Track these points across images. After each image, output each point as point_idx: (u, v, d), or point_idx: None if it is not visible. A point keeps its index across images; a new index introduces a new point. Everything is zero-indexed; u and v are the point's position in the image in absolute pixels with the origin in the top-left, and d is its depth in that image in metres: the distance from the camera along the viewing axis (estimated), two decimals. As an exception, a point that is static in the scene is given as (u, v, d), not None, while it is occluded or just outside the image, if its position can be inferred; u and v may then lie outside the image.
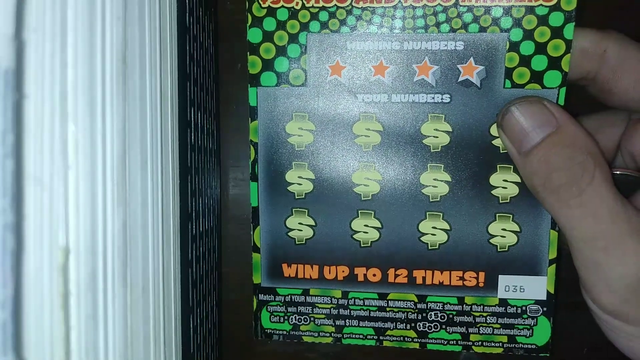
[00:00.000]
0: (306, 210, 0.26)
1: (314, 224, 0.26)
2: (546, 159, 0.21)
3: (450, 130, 0.25)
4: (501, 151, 0.25)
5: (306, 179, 0.26)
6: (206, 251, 0.26)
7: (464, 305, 0.27)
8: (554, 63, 0.24)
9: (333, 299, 0.27)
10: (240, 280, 0.32)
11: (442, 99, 0.25)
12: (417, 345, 0.27)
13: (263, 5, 0.25)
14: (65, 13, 0.12)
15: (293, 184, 0.26)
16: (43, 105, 0.11)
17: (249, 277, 0.29)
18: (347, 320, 0.27)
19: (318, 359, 0.32)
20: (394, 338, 0.27)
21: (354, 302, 0.27)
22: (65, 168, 0.12)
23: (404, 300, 0.27)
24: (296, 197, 0.26)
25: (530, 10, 0.24)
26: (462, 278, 0.26)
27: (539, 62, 0.24)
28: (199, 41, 0.25)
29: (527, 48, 0.24)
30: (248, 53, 0.25)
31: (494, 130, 0.25)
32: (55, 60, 0.12)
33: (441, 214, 0.26)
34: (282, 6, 0.25)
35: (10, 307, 0.10)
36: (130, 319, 0.15)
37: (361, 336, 0.27)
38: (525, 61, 0.24)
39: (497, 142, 0.25)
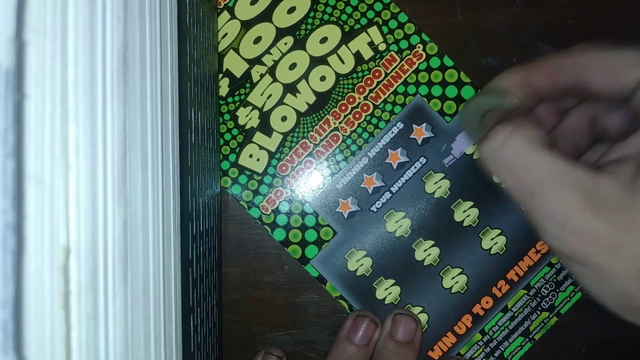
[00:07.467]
0: (409, 305, 0.31)
1: (422, 309, 0.32)
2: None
3: (444, 175, 0.31)
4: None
5: (391, 286, 0.31)
6: (206, 251, 0.26)
7: (555, 265, 0.32)
8: (458, 84, 0.31)
9: (478, 343, 0.32)
10: (240, 280, 0.32)
11: (420, 163, 0.31)
12: (556, 318, 0.32)
13: (267, 213, 0.31)
14: (65, 13, 0.12)
15: (385, 297, 0.31)
16: (44, 105, 0.12)
17: (249, 277, 0.28)
18: (500, 345, 0.32)
19: (318, 359, 0.32)
20: (539, 327, 0.32)
21: (492, 331, 0.31)
22: (66, 168, 0.12)
23: (520, 299, 0.31)
24: (395, 303, 0.31)
25: (416, 71, 0.31)
26: (538, 251, 0.32)
27: (451, 91, 0.32)
28: (199, 41, 0.25)
29: (436, 91, 0.31)
30: (286, 248, 0.31)
31: (468, 150, 0.31)
32: (55, 60, 0.12)
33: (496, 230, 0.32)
34: (281, 201, 0.31)
35: (11, 306, 0.11)
36: (130, 318, 0.15)
37: (519, 348, 0.32)
38: (442, 98, 0.31)
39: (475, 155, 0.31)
